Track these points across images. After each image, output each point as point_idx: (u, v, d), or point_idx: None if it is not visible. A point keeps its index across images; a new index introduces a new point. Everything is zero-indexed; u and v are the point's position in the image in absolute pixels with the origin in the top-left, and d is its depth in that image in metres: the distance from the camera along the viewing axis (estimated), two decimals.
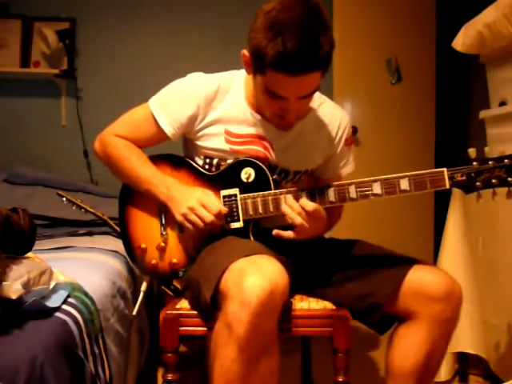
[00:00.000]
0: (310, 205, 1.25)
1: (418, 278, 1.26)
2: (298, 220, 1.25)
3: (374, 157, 2.99)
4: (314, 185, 1.31)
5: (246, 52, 1.25)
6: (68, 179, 2.71)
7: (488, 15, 1.80)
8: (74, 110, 3.01)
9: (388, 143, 3.10)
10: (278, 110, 1.28)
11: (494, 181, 1.20)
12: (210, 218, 1.29)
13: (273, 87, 1.20)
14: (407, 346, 1.27)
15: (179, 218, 1.32)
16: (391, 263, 1.31)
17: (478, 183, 1.21)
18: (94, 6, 3.02)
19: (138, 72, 3.03)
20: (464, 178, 1.21)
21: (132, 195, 1.42)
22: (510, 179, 1.19)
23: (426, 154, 3.06)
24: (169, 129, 1.38)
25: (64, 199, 2.08)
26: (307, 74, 1.16)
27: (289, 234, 1.29)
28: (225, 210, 1.31)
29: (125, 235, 1.43)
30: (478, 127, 2.14)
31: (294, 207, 1.26)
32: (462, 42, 1.95)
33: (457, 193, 1.89)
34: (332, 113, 1.44)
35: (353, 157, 1.52)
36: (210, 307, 1.15)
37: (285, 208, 1.28)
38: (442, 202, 2.35)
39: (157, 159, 1.41)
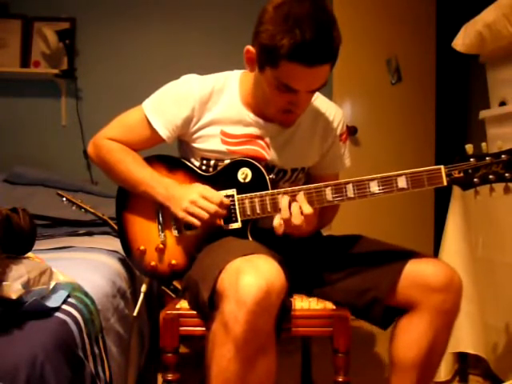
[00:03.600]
0: (307, 208, 1.25)
1: (417, 269, 1.26)
2: (281, 230, 1.26)
3: (373, 157, 2.99)
4: (311, 184, 1.31)
5: (250, 48, 1.25)
6: (68, 179, 2.71)
7: (488, 15, 1.80)
8: (73, 110, 3.01)
9: (388, 143, 3.10)
10: (285, 105, 1.28)
11: (491, 177, 1.20)
12: (213, 208, 1.28)
13: (286, 79, 1.20)
14: (409, 337, 1.27)
15: (181, 214, 1.31)
16: (390, 257, 1.32)
17: (475, 179, 1.21)
18: (94, 5, 3.02)
19: (139, 72, 3.03)
20: (461, 174, 1.21)
21: (129, 197, 1.42)
22: (507, 175, 1.18)
23: (426, 155, 3.06)
24: (164, 131, 1.38)
25: (64, 199, 2.08)
26: (322, 65, 1.17)
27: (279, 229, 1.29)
28: (227, 200, 1.31)
29: (123, 237, 1.43)
30: (478, 127, 2.14)
31: (283, 213, 1.25)
32: (462, 41, 1.95)
33: (457, 193, 1.89)
34: (326, 108, 1.45)
35: (348, 153, 1.52)
36: (208, 307, 1.15)
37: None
38: (442, 202, 2.35)
39: (152, 160, 1.41)
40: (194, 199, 1.29)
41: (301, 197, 1.26)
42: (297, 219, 1.24)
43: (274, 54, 1.17)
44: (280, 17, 1.15)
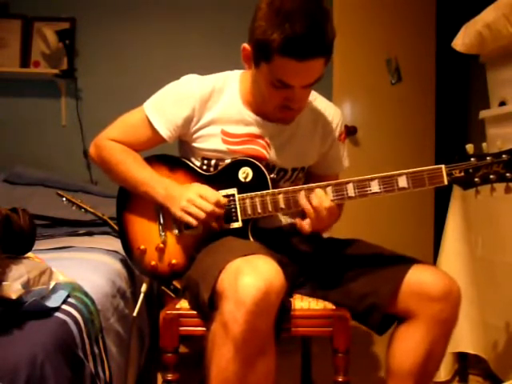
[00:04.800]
0: (327, 202, 1.24)
1: (416, 277, 1.26)
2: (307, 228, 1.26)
3: (373, 157, 2.99)
4: (311, 184, 1.31)
5: (246, 45, 1.26)
6: (68, 179, 2.72)
7: (488, 15, 1.80)
8: (74, 110, 3.01)
9: (388, 143, 3.10)
10: (282, 101, 1.28)
11: (491, 176, 1.19)
12: (209, 207, 1.28)
13: (279, 75, 1.20)
14: (406, 345, 1.27)
15: (179, 213, 1.31)
16: (390, 263, 1.31)
17: (476, 179, 1.20)
18: (93, 6, 3.02)
19: (138, 72, 3.03)
20: (462, 174, 1.21)
21: (129, 197, 1.42)
22: (507, 174, 1.18)
23: (426, 155, 3.06)
24: (165, 131, 1.38)
25: (64, 199, 2.08)
26: (314, 59, 1.17)
27: (305, 227, 1.27)
28: (224, 199, 1.31)
29: (123, 237, 1.43)
30: (478, 127, 2.14)
31: (314, 202, 1.24)
32: (462, 41, 1.95)
33: (457, 193, 1.89)
34: (325, 108, 1.45)
35: (347, 152, 1.52)
36: (208, 307, 1.15)
37: (303, 202, 1.26)
38: (442, 202, 2.35)
39: (153, 160, 1.41)
40: (191, 198, 1.29)
41: (319, 191, 1.25)
42: (322, 212, 1.24)
43: (266, 49, 1.18)
44: (272, 12, 1.16)
